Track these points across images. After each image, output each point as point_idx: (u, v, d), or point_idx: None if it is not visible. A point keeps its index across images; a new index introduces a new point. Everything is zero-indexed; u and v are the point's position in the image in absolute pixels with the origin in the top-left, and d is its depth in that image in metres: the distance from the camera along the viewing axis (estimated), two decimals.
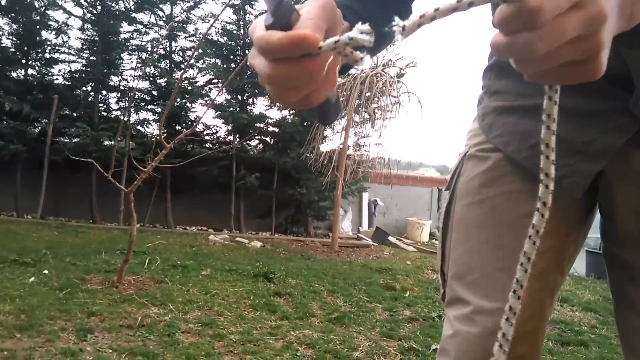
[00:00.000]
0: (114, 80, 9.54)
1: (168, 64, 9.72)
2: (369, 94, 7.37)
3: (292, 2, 0.45)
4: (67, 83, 9.20)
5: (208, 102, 9.54)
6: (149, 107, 9.50)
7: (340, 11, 0.54)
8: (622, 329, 0.87)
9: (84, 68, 9.26)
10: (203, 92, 9.80)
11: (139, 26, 9.57)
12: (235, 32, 9.76)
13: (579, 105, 0.80)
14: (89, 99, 9.26)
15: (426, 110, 14.27)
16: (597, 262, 6.47)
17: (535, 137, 0.83)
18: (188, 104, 9.51)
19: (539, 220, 0.51)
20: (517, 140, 0.86)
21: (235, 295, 4.09)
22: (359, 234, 9.94)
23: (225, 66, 9.64)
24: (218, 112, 9.49)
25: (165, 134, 8.00)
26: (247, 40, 9.79)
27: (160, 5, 9.57)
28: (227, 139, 9.82)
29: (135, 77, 9.41)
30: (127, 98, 9.43)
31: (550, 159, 0.50)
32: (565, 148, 0.80)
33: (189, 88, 9.52)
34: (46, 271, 4.18)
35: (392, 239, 9.53)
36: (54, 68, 9.24)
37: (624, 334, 0.87)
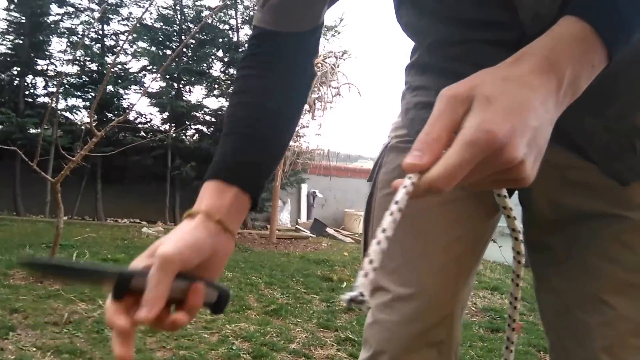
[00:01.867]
0: (42, 64, 9.05)
1: (100, 48, 9.31)
2: None
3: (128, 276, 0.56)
4: None
5: (142, 89, 9.23)
6: (79, 93, 9.08)
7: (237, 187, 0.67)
8: (542, 309, 0.91)
9: (9, 51, 8.72)
10: (137, 78, 9.47)
11: (70, 8, 9.11)
12: (171, 17, 9.48)
13: None
14: (14, 84, 8.73)
15: (366, 102, 14.46)
16: (526, 252, 6.77)
17: None
18: (121, 91, 9.16)
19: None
20: None
21: None
22: (297, 226, 9.95)
23: (160, 52, 9.35)
24: (153, 100, 9.20)
25: (96, 122, 7.67)
26: (184, 26, 9.54)
27: None
28: (162, 128, 9.54)
29: (65, 62, 8.97)
30: (55, 83, 8.97)
31: (519, 240, 0.56)
32: None
33: (122, 74, 9.16)
34: None
35: (330, 230, 9.61)
36: None
37: (543, 313, 0.90)
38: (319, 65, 7.48)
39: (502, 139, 0.43)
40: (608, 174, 0.79)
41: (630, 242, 0.78)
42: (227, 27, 9.98)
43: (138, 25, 8.45)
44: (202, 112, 9.55)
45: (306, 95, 0.82)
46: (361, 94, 7.74)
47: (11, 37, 8.76)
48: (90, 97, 8.85)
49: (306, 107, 8.20)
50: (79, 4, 9.20)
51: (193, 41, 9.30)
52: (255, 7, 0.81)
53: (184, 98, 9.60)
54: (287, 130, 0.79)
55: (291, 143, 8.35)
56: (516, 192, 0.91)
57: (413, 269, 0.87)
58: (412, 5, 0.80)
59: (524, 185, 0.47)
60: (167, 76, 9.21)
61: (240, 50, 9.71)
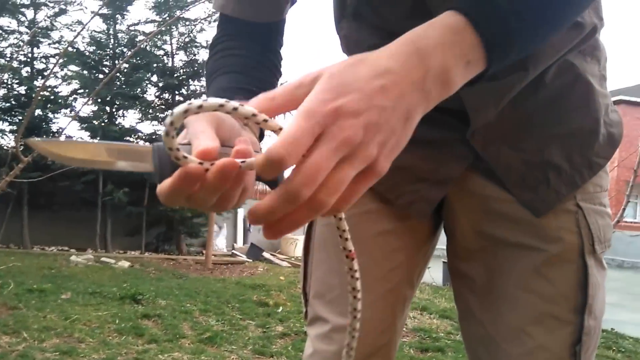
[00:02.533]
0: None
1: (29, 72, 8.96)
2: None
3: (165, 147, 0.43)
4: None
5: (73, 112, 8.94)
6: (6, 117, 8.67)
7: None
8: (466, 337, 0.93)
9: None
10: (67, 102, 9.16)
11: None
12: (104, 41, 9.29)
13: (425, 134, 0.83)
14: None
15: None
16: (450, 281, 6.99)
17: None
18: (50, 114, 8.83)
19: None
20: None
21: (99, 319, 3.85)
22: (233, 251, 9.84)
23: (92, 76, 9.12)
24: (84, 124, 8.92)
25: (23, 147, 7.33)
26: (117, 50, 9.38)
27: (23, 10, 8.83)
28: None
29: None
30: None
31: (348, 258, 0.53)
32: (413, 174, 0.86)
33: (52, 97, 8.85)
34: None
35: (266, 254, 9.56)
36: None
37: (467, 341, 0.93)
38: None
39: (335, 113, 0.41)
40: (523, 205, 0.82)
41: (547, 273, 0.80)
42: (161, 52, 9.89)
43: (69, 48, 8.22)
44: (136, 136, 9.34)
45: (276, 71, 0.83)
46: None
47: None
48: (17, 120, 8.47)
49: None
50: (7, 27, 8.87)
51: (127, 65, 9.14)
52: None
53: (116, 122, 9.37)
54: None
55: None
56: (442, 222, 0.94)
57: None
58: (353, 18, 0.82)
59: (378, 174, 0.44)
60: (99, 100, 8.98)
61: (175, 75, 9.64)
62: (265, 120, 0.42)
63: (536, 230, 0.81)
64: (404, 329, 4.25)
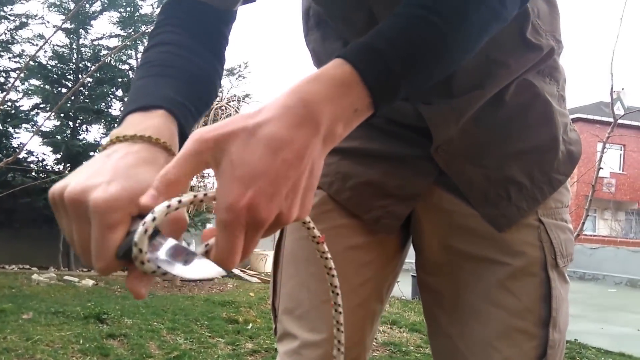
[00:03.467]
0: None
1: None
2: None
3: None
4: None
5: (34, 127, 8.73)
6: None
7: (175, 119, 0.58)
8: (435, 352, 0.94)
9: None
10: (28, 116, 8.94)
11: None
12: (67, 55, 9.13)
13: (390, 150, 0.88)
14: None
15: None
16: (419, 296, 7.03)
17: (354, 179, 0.91)
18: (10, 129, 8.60)
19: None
20: (339, 181, 0.91)
21: (62, 340, 3.73)
22: None
23: (55, 91, 8.93)
24: (46, 139, 8.71)
25: None
26: (80, 64, 9.22)
27: None
28: (55, 168, 9.03)
29: None
30: None
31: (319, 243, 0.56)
32: (380, 190, 0.88)
33: (12, 112, 8.63)
34: None
35: (236, 270, 9.45)
36: None
37: (436, 356, 0.93)
38: (223, 108, 7.53)
39: (252, 206, 0.43)
40: (486, 219, 0.84)
41: (512, 287, 0.82)
42: (126, 66, 9.78)
43: (31, 63, 8.05)
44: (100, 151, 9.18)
45: (219, 74, 0.76)
46: None
47: None
48: None
49: None
50: None
51: (90, 79, 9.00)
52: None
53: (80, 137, 9.19)
54: (208, 81, 0.71)
55: (195, 183, 8.25)
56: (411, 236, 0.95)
57: (320, 314, 0.87)
58: (317, 28, 0.84)
59: (286, 222, 0.47)
60: (62, 114, 8.80)
61: None
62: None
63: (500, 244, 0.83)
64: (374, 343, 4.27)
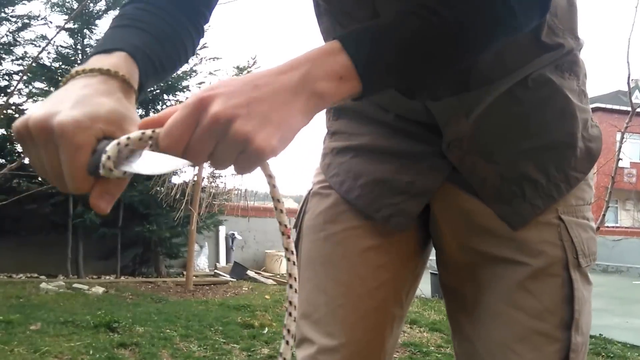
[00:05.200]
0: None
1: None
2: None
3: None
4: None
5: None
6: None
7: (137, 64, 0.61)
8: (457, 354, 0.93)
9: None
10: None
11: None
12: (71, 56, 9.16)
13: (401, 147, 0.88)
14: None
15: None
16: (444, 298, 6.98)
17: (364, 177, 0.90)
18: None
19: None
20: (350, 179, 0.92)
21: (71, 351, 3.70)
22: (216, 270, 9.70)
23: None
24: None
25: None
26: None
27: None
28: None
29: None
30: None
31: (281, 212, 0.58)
32: (391, 187, 0.88)
33: (17, 116, 8.67)
34: None
35: (250, 273, 9.44)
36: None
37: (459, 358, 0.93)
38: None
39: (206, 98, 0.50)
40: (500, 217, 0.83)
41: (533, 288, 0.81)
42: None
43: (34, 64, 8.07)
44: None
45: (193, 41, 0.78)
46: None
47: None
48: None
49: None
50: None
51: None
52: None
53: None
54: (175, 46, 0.73)
55: (206, 184, 8.23)
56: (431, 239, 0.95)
57: (337, 318, 0.88)
58: (326, 16, 0.86)
59: (262, 150, 0.50)
60: None
61: (148, 90, 9.53)
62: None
63: (519, 244, 0.82)
64: None
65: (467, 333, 0.89)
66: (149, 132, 0.51)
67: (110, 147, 0.48)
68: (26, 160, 8.68)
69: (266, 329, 4.76)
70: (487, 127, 0.82)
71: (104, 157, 0.48)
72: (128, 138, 0.49)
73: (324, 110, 0.99)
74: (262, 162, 0.51)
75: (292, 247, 0.57)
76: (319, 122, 1.01)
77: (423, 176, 0.87)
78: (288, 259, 0.57)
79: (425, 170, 0.86)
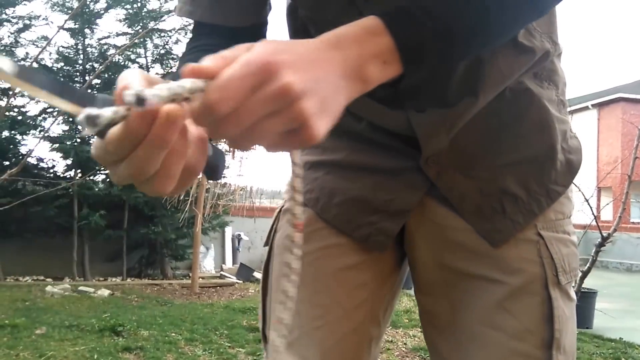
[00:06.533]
0: None
1: None
2: None
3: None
4: None
5: (42, 133, 8.86)
6: None
7: None
8: None
9: None
10: (36, 122, 9.08)
11: None
12: (73, 57, 9.24)
13: (376, 162, 0.87)
14: None
15: None
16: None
17: (339, 195, 0.89)
18: (18, 136, 8.75)
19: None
20: (325, 197, 0.90)
21: (76, 355, 3.76)
22: (222, 272, 9.75)
23: None
24: (55, 145, 8.84)
25: None
26: (87, 65, 9.33)
27: None
28: (66, 175, 9.16)
29: None
30: None
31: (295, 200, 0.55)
32: (369, 206, 0.87)
33: (19, 118, 8.78)
34: None
35: (257, 274, 9.48)
36: None
37: None
38: None
39: (273, 63, 0.45)
40: (480, 234, 0.82)
41: (511, 308, 0.80)
42: (136, 65, 9.84)
43: (35, 65, 8.16)
44: None
45: None
46: None
47: None
48: None
49: (225, 146, 8.19)
50: None
51: (99, 80, 9.09)
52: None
53: (90, 142, 9.30)
54: None
55: (211, 185, 8.28)
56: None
57: (313, 342, 0.85)
58: (303, 33, 0.84)
59: (308, 143, 0.47)
60: (71, 119, 8.92)
61: None
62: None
63: (497, 261, 0.82)
64: (403, 349, 4.21)
65: (445, 356, 0.87)
66: (199, 82, 0.45)
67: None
68: (31, 162, 8.67)
69: None
70: (465, 141, 0.81)
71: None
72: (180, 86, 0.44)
73: None
74: (305, 148, 0.49)
75: (299, 241, 0.55)
76: None
77: (401, 193, 0.85)
78: (291, 252, 0.55)
79: (404, 187, 0.85)
